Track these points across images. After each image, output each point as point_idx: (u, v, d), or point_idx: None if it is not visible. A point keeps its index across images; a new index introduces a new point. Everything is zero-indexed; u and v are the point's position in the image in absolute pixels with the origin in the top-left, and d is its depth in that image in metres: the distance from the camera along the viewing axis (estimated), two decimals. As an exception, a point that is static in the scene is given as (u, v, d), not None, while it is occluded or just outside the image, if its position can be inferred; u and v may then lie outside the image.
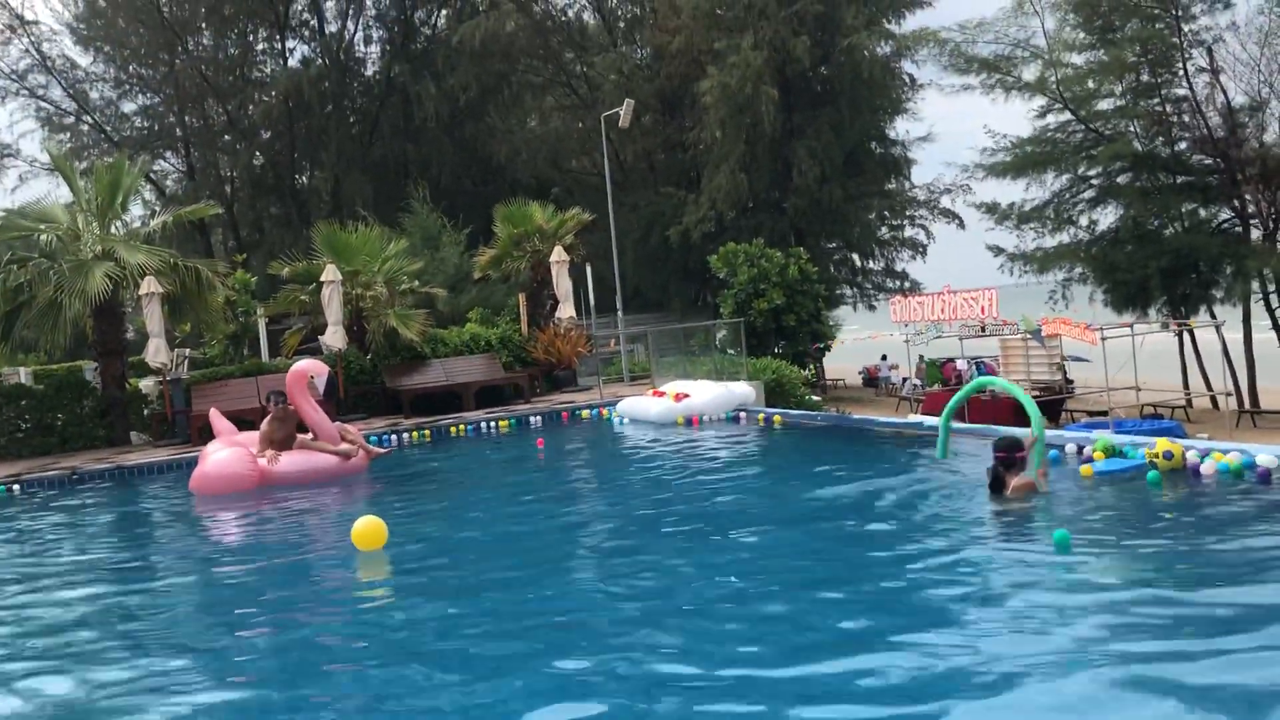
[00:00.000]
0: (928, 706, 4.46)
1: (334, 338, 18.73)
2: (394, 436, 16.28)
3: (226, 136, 41.67)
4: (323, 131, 40.06)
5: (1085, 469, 9.12)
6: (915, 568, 6.86)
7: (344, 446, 12.68)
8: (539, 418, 17.51)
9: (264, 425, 12.63)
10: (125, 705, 5.26)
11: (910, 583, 6.56)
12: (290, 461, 12.33)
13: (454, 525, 9.70)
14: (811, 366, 26.73)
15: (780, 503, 9.65)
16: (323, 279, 18.80)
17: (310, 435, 12.72)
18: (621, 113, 26.12)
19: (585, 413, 17.83)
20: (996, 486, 8.29)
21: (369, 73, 42.79)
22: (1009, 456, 8.31)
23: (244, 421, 14.66)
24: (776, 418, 15.04)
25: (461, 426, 16.92)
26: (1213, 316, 27.00)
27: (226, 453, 12.25)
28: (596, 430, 16.50)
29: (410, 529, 9.27)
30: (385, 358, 19.77)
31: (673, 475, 11.52)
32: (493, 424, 17.11)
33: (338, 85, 40.25)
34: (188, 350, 21.67)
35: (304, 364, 12.97)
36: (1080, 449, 9.99)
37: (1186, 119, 28.50)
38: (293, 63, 41.27)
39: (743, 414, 15.74)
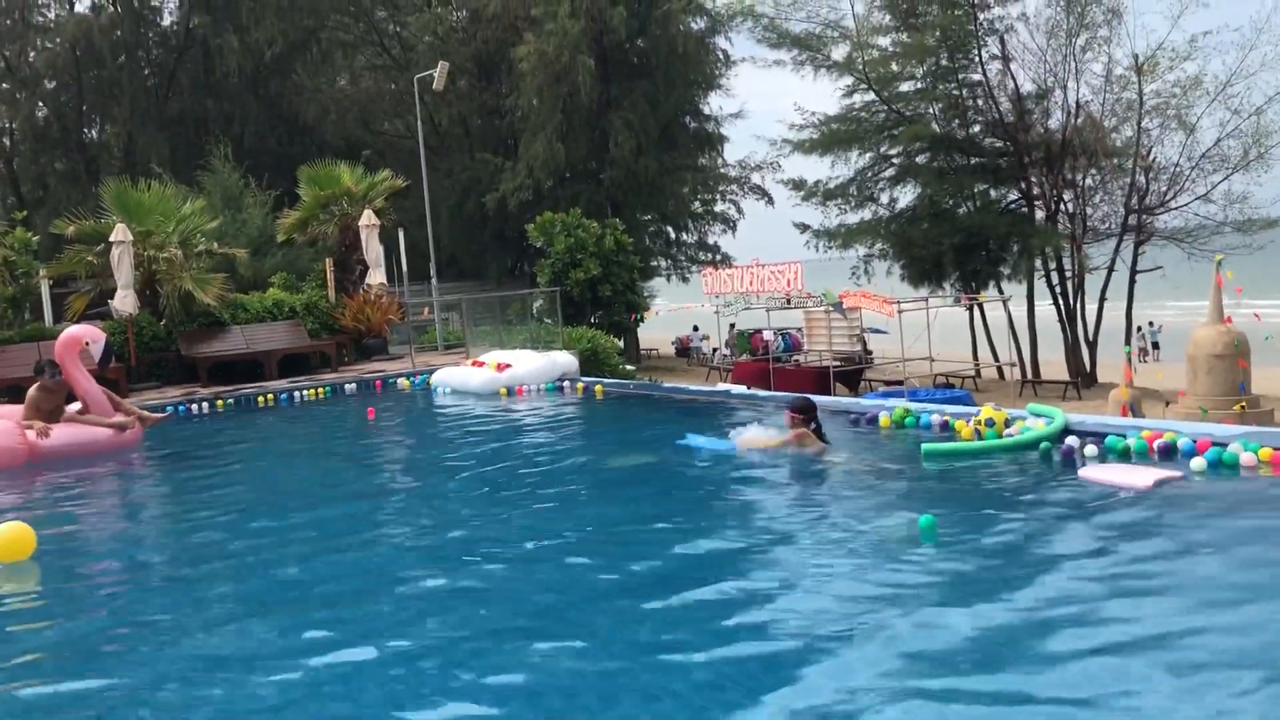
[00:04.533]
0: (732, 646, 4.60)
1: (124, 302, 17.67)
2: (191, 405, 15.50)
3: (4, 84, 38.60)
4: (115, 84, 37.58)
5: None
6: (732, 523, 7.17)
7: (118, 418, 11.96)
8: (354, 385, 17.03)
9: (30, 394, 11.73)
10: None
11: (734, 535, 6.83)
12: (62, 435, 11.52)
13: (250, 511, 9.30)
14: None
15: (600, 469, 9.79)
16: (112, 239, 17.70)
17: (79, 406, 11.98)
18: (436, 75, 25.54)
19: (405, 382, 17.33)
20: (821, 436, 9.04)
21: (166, 22, 40.40)
22: (813, 416, 9.10)
23: (23, 390, 13.61)
24: (598, 387, 15.12)
25: (272, 396, 16.22)
26: (1000, 292, 28.75)
27: (-9, 426, 11.32)
28: (414, 401, 16.12)
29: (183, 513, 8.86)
30: (181, 324, 18.80)
31: (500, 445, 11.35)
32: (302, 393, 16.48)
33: (131, 34, 37.79)
34: (-41, 314, 20.01)
35: (77, 329, 12.13)
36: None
37: (980, 103, 30.11)
38: (81, 8, 38.57)
39: (565, 384, 15.76)
